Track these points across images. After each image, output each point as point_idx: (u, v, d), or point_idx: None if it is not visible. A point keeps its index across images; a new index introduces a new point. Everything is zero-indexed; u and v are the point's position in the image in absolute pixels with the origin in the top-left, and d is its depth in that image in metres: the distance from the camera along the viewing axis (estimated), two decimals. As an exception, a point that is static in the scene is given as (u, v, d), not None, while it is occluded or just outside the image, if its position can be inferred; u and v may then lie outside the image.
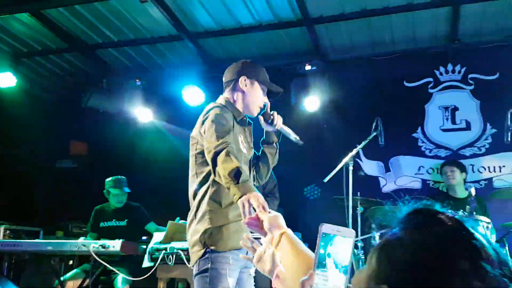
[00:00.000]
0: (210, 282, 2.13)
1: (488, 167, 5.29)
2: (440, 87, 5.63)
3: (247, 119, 2.50)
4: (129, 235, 4.73)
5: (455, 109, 5.55)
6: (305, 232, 5.57)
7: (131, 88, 6.12)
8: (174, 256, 4.10)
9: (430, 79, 5.67)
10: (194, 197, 2.31)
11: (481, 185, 5.27)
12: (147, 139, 6.50)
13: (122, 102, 6.10)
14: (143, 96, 6.13)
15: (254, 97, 2.44)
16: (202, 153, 2.26)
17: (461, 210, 4.27)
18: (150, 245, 4.39)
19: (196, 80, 5.85)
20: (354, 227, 4.30)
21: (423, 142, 5.62)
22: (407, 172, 5.62)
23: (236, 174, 1.94)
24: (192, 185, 2.34)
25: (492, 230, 4.11)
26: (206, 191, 2.26)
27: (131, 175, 5.18)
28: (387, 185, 5.66)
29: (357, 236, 4.49)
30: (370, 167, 5.77)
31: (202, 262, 2.19)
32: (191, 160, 2.37)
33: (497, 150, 5.24)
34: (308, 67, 5.55)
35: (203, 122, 2.28)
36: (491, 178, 5.24)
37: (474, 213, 3.97)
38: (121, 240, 4.05)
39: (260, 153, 2.63)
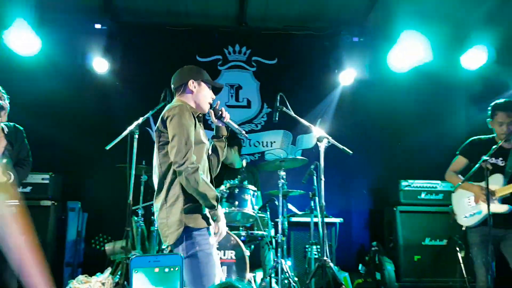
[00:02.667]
0: (203, 266, 2.45)
1: (262, 142, 5.99)
2: (228, 65, 6.07)
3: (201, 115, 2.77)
4: None
5: (239, 87, 6.06)
6: (86, 200, 5.44)
7: None
8: None
9: (220, 57, 6.05)
10: (161, 184, 2.60)
11: (255, 157, 5.94)
12: None
13: None
14: None
15: (202, 95, 2.78)
16: (165, 145, 2.57)
17: (236, 179, 4.77)
18: None
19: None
20: (136, 195, 4.38)
21: (209, 116, 5.98)
22: (193, 143, 5.94)
23: (217, 200, 2.52)
24: (159, 174, 2.63)
25: (258, 198, 4.69)
26: (174, 178, 2.54)
27: None
28: (174, 155, 5.89)
29: (139, 203, 4.59)
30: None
31: (189, 245, 2.45)
32: (156, 151, 2.64)
33: (270, 128, 5.97)
34: (98, 26, 5.32)
35: (167, 119, 2.56)
36: (264, 151, 5.96)
37: (245, 182, 4.50)
38: None
39: (210, 147, 2.87)
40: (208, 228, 2.54)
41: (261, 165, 5.08)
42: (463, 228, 3.69)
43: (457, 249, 4.78)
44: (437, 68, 5.63)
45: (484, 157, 3.35)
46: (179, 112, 2.54)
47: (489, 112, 3.67)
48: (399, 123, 5.77)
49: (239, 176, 4.51)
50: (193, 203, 2.52)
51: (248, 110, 6.06)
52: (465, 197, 3.70)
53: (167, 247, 2.60)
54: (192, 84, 2.77)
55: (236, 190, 4.47)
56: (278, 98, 4.13)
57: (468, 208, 3.66)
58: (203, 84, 2.80)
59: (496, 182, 3.51)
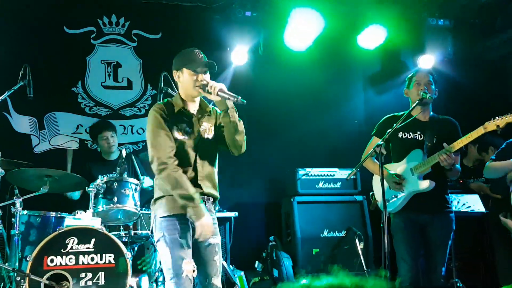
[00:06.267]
0: (169, 250, 2.94)
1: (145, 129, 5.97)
2: (103, 39, 5.96)
3: (186, 110, 3.13)
4: None
5: (118, 65, 6.00)
6: None
7: None
8: None
9: (93, 29, 5.91)
10: None
11: (139, 146, 5.94)
12: None
13: None
14: None
15: (186, 84, 3.10)
16: None
17: (114, 172, 4.74)
18: None
19: None
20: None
21: (83, 98, 5.85)
22: (64, 131, 5.76)
23: (188, 199, 2.94)
24: None
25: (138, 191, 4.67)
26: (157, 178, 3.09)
27: None
28: (40, 145, 5.68)
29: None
30: (22, 123, 5.65)
31: (158, 232, 3.01)
32: None
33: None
34: None
35: None
36: (149, 139, 5.96)
37: (125, 174, 4.49)
38: None
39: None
40: (177, 216, 2.97)
41: (145, 154, 5.08)
42: (387, 215, 3.67)
43: (356, 240, 5.22)
44: (334, 48, 6.04)
45: (379, 142, 3.58)
46: (148, 120, 3.07)
47: (407, 80, 3.94)
48: (296, 107, 6.12)
49: (118, 168, 4.48)
50: (163, 194, 3.03)
51: (129, 92, 6.03)
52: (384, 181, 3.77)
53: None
54: (175, 75, 3.16)
55: (115, 184, 4.45)
56: (162, 78, 4.18)
57: (388, 191, 3.78)
58: (184, 70, 3.10)
59: (415, 158, 3.75)
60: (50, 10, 5.67)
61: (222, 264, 4.27)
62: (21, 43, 5.56)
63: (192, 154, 3.06)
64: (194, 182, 3.04)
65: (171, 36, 6.03)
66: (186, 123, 3.12)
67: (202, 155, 3.10)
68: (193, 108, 3.17)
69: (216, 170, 3.21)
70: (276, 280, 5.32)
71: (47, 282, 3.76)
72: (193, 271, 2.95)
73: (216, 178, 3.21)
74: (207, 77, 3.12)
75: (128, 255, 4.05)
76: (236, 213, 5.40)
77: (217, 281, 3.05)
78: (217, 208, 3.32)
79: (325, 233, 5.45)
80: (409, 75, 3.97)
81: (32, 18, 5.64)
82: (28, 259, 3.84)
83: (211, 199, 3.13)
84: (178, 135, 3.05)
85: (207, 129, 3.17)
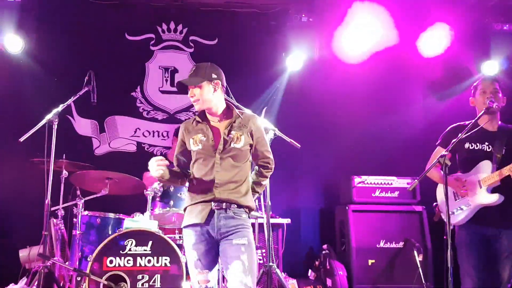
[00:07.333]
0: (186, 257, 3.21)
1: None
2: (161, 45, 6.11)
3: (203, 121, 3.22)
4: None
5: (175, 70, 6.12)
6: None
7: None
8: None
9: (152, 35, 6.08)
10: None
11: (194, 151, 6.02)
12: None
13: None
14: None
15: None
16: None
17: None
18: None
19: None
20: (56, 194, 4.32)
21: (141, 102, 6.01)
22: (123, 134, 5.94)
23: None
24: None
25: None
26: None
27: None
28: (101, 147, 5.87)
29: (59, 204, 4.53)
30: (84, 126, 5.86)
31: None
32: None
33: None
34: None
35: None
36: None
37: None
38: None
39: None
40: (190, 226, 3.11)
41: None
42: (451, 227, 3.42)
43: (415, 252, 5.06)
44: (393, 52, 5.89)
45: (444, 152, 3.36)
46: None
47: (472, 88, 3.77)
48: (352, 113, 6.01)
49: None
50: (184, 206, 3.23)
51: (185, 97, 5.95)
52: (449, 191, 3.59)
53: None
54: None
55: (171, 188, 4.54)
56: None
57: (454, 203, 3.67)
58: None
59: (485, 169, 3.58)
60: (112, 18, 5.84)
61: (277, 271, 4.25)
62: (86, 50, 5.78)
63: (209, 161, 3.11)
64: (209, 188, 3.07)
65: (227, 42, 6.09)
66: (202, 133, 3.16)
67: (223, 162, 3.11)
68: (215, 118, 3.22)
69: (244, 176, 3.17)
70: (330, 290, 5.24)
71: (105, 282, 3.85)
72: (208, 281, 2.98)
73: (243, 184, 3.16)
74: (194, 92, 3.17)
75: (184, 258, 4.09)
76: (289, 220, 5.34)
77: (246, 279, 2.97)
78: (246, 212, 3.18)
79: (381, 244, 5.31)
80: (474, 83, 3.80)
81: (96, 26, 5.84)
82: (88, 259, 3.95)
83: (233, 206, 3.08)
84: (194, 147, 3.16)
85: (235, 138, 3.15)
